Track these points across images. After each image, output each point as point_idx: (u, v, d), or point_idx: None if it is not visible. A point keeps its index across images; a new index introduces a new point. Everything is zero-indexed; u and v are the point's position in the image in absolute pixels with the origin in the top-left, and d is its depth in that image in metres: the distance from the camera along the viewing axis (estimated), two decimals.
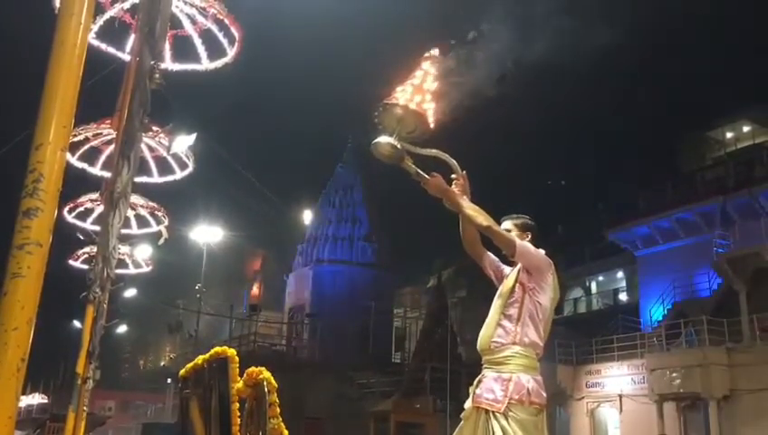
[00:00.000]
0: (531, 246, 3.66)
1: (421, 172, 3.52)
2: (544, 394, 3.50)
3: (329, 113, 54.74)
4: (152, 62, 4.52)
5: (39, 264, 1.89)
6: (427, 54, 3.63)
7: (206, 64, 6.79)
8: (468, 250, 3.90)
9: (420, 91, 3.50)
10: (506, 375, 3.43)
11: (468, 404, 3.53)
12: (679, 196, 27.50)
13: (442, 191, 3.57)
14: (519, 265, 3.67)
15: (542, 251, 3.71)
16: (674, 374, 20.68)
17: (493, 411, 3.36)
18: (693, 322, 22.25)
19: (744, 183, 25.45)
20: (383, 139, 3.44)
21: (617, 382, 23.55)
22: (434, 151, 3.56)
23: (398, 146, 3.41)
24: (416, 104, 3.44)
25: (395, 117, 3.44)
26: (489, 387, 3.43)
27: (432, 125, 3.49)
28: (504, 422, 3.32)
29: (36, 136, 1.96)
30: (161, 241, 9.11)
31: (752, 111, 28.83)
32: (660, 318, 26.06)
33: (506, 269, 3.80)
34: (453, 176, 3.70)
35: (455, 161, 3.67)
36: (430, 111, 3.50)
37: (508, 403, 3.34)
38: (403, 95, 3.48)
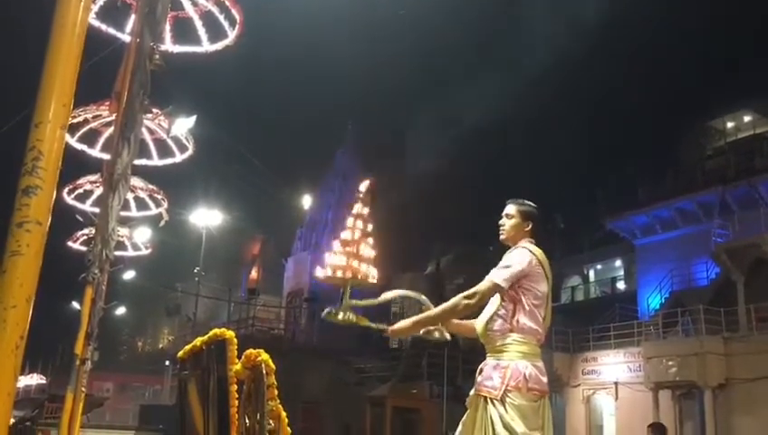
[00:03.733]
0: (501, 271, 3.55)
1: (380, 326, 3.61)
2: (545, 380, 3.52)
3: (329, 98, 54.59)
4: (152, 44, 4.50)
5: (38, 242, 1.88)
6: (359, 193, 3.69)
7: (206, 47, 6.75)
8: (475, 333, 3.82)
9: (354, 244, 3.59)
10: (504, 363, 3.47)
11: (472, 392, 3.59)
12: (679, 185, 27.49)
13: (407, 330, 3.60)
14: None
15: (514, 257, 3.61)
16: (670, 363, 20.77)
17: (491, 398, 3.41)
18: (690, 311, 22.32)
19: (745, 173, 25.43)
20: (332, 314, 3.62)
21: (613, 370, 23.65)
22: (396, 293, 3.64)
23: (346, 317, 3.58)
24: (347, 273, 3.57)
25: (341, 287, 3.60)
26: (488, 374, 3.49)
27: (374, 280, 3.61)
28: (501, 409, 3.36)
29: (36, 114, 1.95)
30: (162, 223, 9.10)
31: (753, 101, 28.75)
32: (657, 307, 26.14)
33: None
34: (423, 308, 3.74)
35: (419, 295, 3.74)
36: (370, 267, 3.60)
37: (505, 390, 3.38)
38: (338, 262, 3.59)
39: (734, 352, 20.26)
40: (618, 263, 35.14)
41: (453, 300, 3.53)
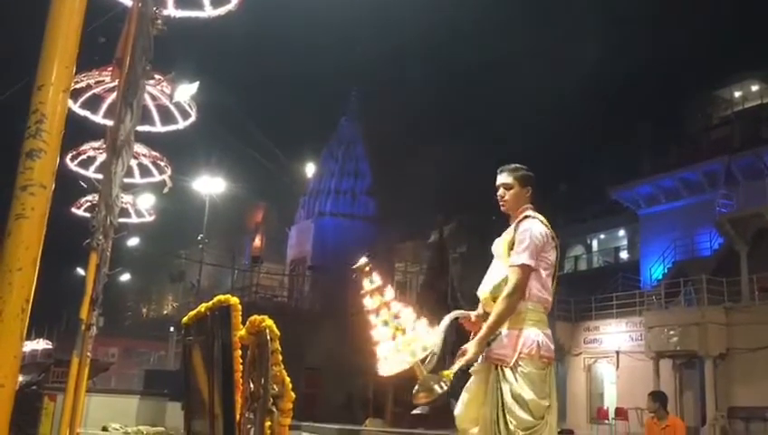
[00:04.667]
0: (524, 253, 3.47)
1: (459, 364, 3.48)
2: (553, 347, 3.55)
3: (333, 65, 54.17)
4: (155, 9, 4.45)
5: (42, 205, 1.88)
6: (361, 268, 3.53)
7: (208, 11, 6.67)
8: None
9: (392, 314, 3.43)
10: (516, 331, 3.46)
11: (480, 359, 3.55)
12: (684, 155, 27.39)
13: (478, 352, 3.45)
14: (513, 233, 3.61)
15: (531, 232, 3.53)
16: (671, 332, 20.88)
17: (502, 366, 3.42)
18: (692, 281, 22.38)
19: (750, 143, 25.33)
20: (427, 393, 3.41)
21: (614, 339, 23.81)
22: (441, 331, 3.53)
23: (441, 386, 3.38)
24: (410, 350, 3.39)
25: (415, 369, 3.44)
26: (500, 342, 3.47)
27: (429, 331, 3.48)
28: (510, 376, 3.38)
29: (38, 76, 1.93)
30: (165, 190, 9.10)
31: (761, 70, 28.49)
32: (660, 277, 26.21)
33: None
34: (461, 320, 3.74)
35: (453, 314, 3.69)
36: (411, 312, 3.46)
37: (517, 357, 3.39)
38: (390, 349, 3.40)
39: (735, 321, 20.35)
40: (621, 233, 35.15)
41: (501, 305, 3.42)
